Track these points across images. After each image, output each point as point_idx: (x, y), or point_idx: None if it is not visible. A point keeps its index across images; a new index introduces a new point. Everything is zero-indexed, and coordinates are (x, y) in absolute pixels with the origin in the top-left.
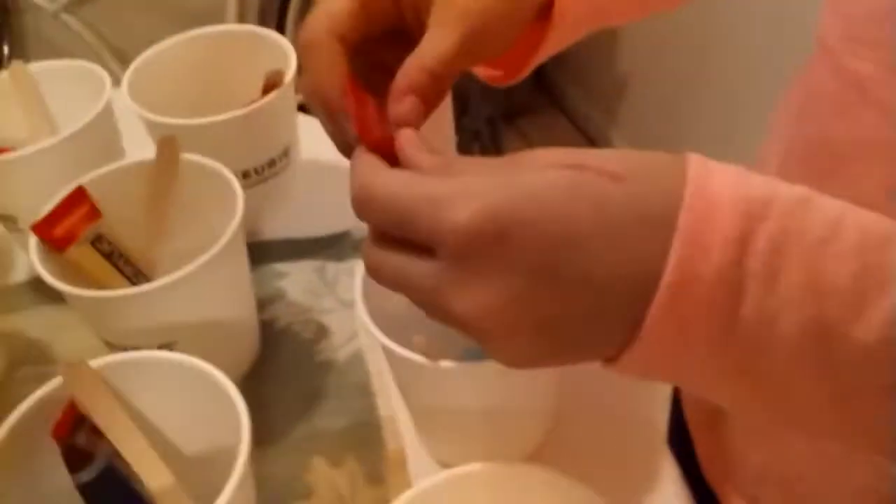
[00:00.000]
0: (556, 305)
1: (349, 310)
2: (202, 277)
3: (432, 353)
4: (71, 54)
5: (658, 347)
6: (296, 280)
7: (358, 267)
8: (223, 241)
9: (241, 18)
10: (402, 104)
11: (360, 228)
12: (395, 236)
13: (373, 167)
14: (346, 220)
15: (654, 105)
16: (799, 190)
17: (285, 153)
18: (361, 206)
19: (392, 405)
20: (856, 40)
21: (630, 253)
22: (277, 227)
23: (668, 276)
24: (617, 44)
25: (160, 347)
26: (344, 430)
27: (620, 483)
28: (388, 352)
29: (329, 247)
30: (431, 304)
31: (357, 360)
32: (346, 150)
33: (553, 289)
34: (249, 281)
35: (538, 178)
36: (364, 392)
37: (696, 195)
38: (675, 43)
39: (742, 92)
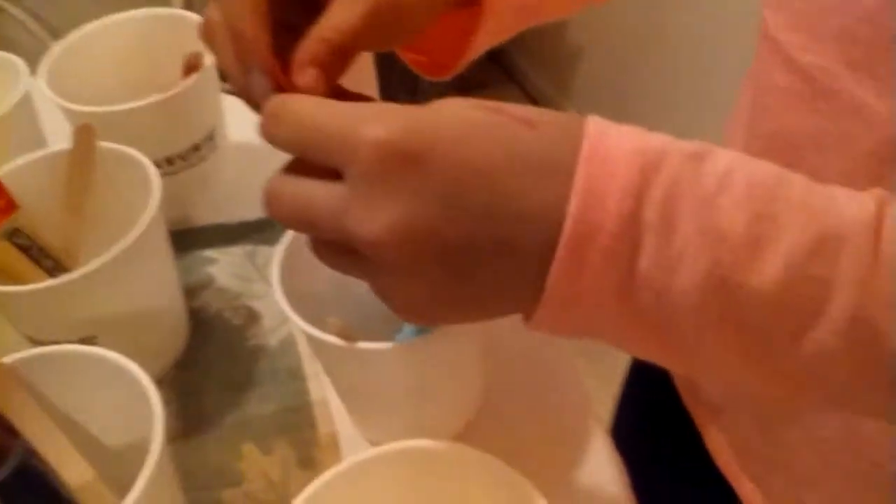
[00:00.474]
0: (462, 238)
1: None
2: (120, 268)
3: (349, 334)
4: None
5: (566, 299)
6: (226, 266)
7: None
8: (138, 230)
9: (189, 4)
10: (303, 75)
11: None
12: (299, 167)
13: (285, 95)
14: None
15: (606, 77)
16: (694, 144)
17: (210, 137)
18: (269, 124)
19: (323, 388)
20: (804, 33)
21: (537, 196)
22: (207, 213)
23: (568, 224)
24: (569, 17)
25: (82, 341)
26: (275, 415)
27: (550, 459)
28: (307, 335)
29: (260, 231)
30: (333, 230)
31: (288, 344)
32: (246, 90)
33: (460, 219)
34: (173, 269)
35: (457, 112)
36: (295, 376)
37: (594, 147)
38: (627, 15)
39: (691, 63)
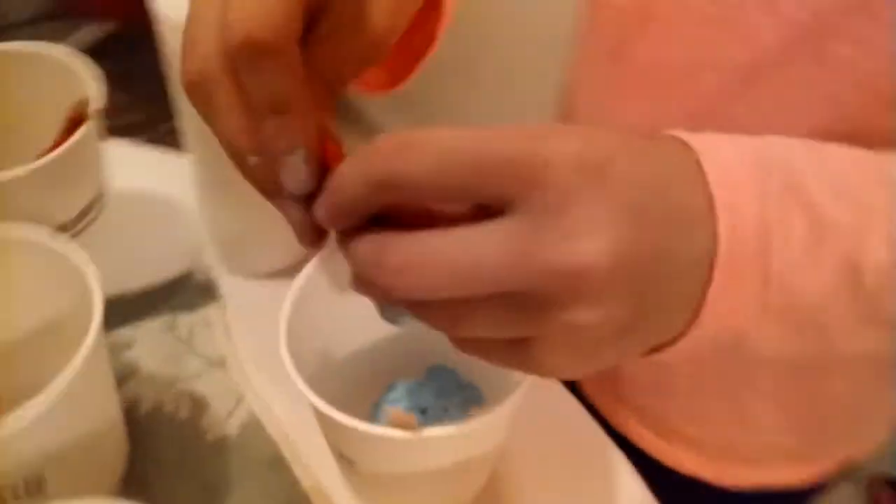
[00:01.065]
0: (647, 248)
1: (221, 370)
2: (62, 408)
3: (408, 421)
4: None
5: (724, 306)
6: (146, 346)
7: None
8: (80, 358)
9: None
10: None
11: (203, 267)
12: (423, 216)
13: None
14: (183, 259)
15: (433, 85)
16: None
17: (100, 196)
18: (397, 156)
19: (314, 472)
20: None
21: (692, 203)
22: (106, 285)
23: (722, 233)
24: None
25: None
26: None
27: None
28: (340, 427)
29: (172, 296)
30: (507, 279)
31: (253, 428)
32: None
33: (648, 235)
34: (113, 379)
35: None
36: (274, 465)
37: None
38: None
39: (519, 66)
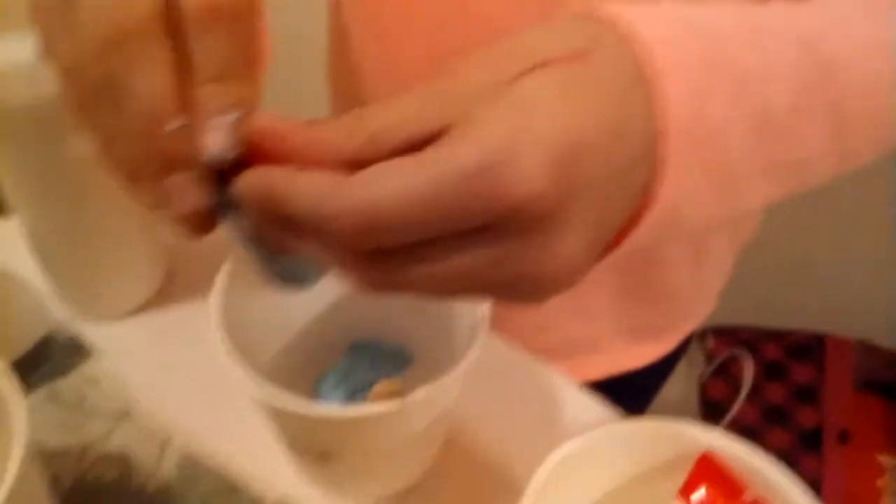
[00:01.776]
0: (607, 202)
1: (128, 420)
2: None
3: (397, 389)
4: None
5: (688, 164)
6: (37, 424)
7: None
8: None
9: None
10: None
11: (59, 327)
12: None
13: (328, 179)
14: (36, 326)
15: None
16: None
17: None
18: (370, 233)
19: (275, 483)
20: None
21: (636, 116)
22: None
23: (672, 108)
24: None
25: None
26: None
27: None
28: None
29: (40, 366)
30: (506, 280)
31: (190, 466)
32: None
33: (608, 188)
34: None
35: (534, 94)
36: (229, 493)
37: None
38: None
39: None
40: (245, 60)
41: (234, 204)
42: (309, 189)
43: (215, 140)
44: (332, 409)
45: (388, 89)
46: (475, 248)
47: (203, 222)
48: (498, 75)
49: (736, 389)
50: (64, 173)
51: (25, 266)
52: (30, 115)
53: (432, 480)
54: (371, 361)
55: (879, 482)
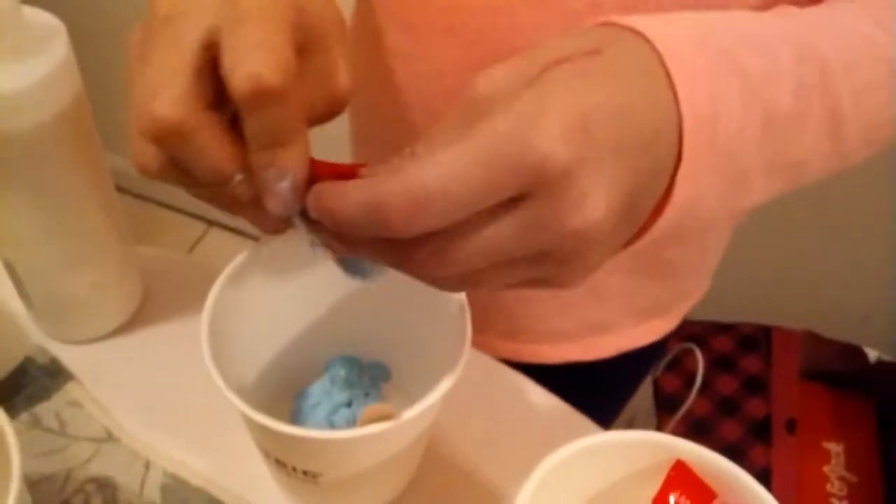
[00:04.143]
0: (631, 175)
1: (110, 442)
2: None
3: (386, 411)
4: None
5: (703, 160)
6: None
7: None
8: None
9: None
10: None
11: (38, 350)
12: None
13: (383, 176)
14: (15, 349)
15: None
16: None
17: None
18: (419, 211)
19: (261, 500)
20: None
21: (650, 101)
22: None
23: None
24: None
25: None
26: None
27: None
28: (317, 443)
29: (19, 391)
30: (531, 251)
31: (173, 487)
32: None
33: (628, 158)
34: None
35: (552, 78)
36: None
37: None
38: None
39: None
40: (293, 128)
41: (303, 213)
42: (358, 186)
43: (277, 203)
44: (325, 432)
45: (420, 98)
46: (509, 217)
47: (277, 229)
48: (526, 73)
49: (688, 382)
50: (36, 201)
51: (1, 290)
52: (10, 143)
53: (412, 493)
54: (347, 378)
55: (825, 468)
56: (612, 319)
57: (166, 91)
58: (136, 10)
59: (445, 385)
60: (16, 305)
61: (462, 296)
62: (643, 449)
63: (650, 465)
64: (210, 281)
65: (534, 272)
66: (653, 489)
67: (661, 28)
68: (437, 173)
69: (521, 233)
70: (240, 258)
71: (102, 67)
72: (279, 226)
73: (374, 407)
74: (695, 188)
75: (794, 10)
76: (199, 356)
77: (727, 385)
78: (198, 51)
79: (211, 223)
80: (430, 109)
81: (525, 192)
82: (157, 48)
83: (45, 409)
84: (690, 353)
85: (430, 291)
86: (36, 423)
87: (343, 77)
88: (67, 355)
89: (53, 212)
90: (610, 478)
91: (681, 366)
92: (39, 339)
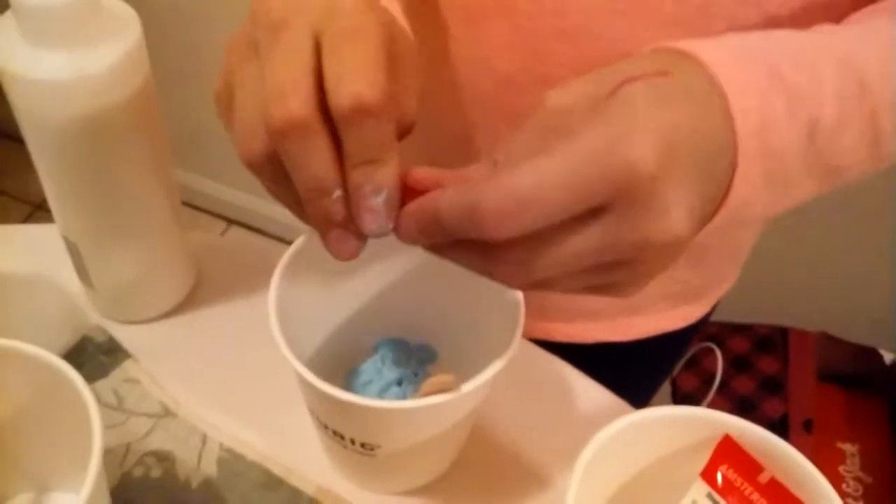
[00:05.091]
0: (704, 189)
1: (167, 418)
2: None
3: (448, 382)
4: None
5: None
6: None
7: (136, 365)
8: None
9: None
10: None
11: (96, 330)
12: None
13: (476, 181)
14: (73, 328)
15: None
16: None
17: None
18: (514, 213)
19: (312, 477)
20: None
21: (715, 121)
22: None
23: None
24: None
25: None
26: None
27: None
28: (382, 412)
29: (77, 368)
30: (610, 260)
31: (231, 461)
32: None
33: (704, 175)
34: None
35: (634, 95)
36: (270, 485)
37: (725, 79)
38: None
39: None
40: (388, 146)
41: None
42: (454, 192)
43: (372, 220)
44: (391, 402)
45: (470, 82)
46: (596, 226)
47: (354, 253)
48: (599, 89)
49: (706, 382)
50: (101, 182)
51: (61, 271)
52: (70, 128)
53: (457, 470)
54: (397, 358)
55: (841, 468)
56: (646, 301)
57: (297, 89)
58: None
59: (500, 362)
60: (74, 286)
61: None
62: (691, 424)
63: (697, 441)
64: (258, 264)
65: (603, 279)
66: (700, 464)
67: (713, 53)
68: (533, 179)
69: (606, 241)
70: (298, 242)
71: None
72: (358, 248)
73: (435, 379)
74: (747, 192)
75: (831, 26)
76: (250, 336)
77: (744, 385)
78: (315, 57)
79: (231, 221)
80: (479, 93)
81: (612, 201)
82: (277, 49)
83: (103, 386)
84: (708, 353)
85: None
86: (95, 400)
87: (414, 102)
88: (124, 335)
89: (117, 193)
90: (657, 453)
91: (698, 365)
92: (97, 319)
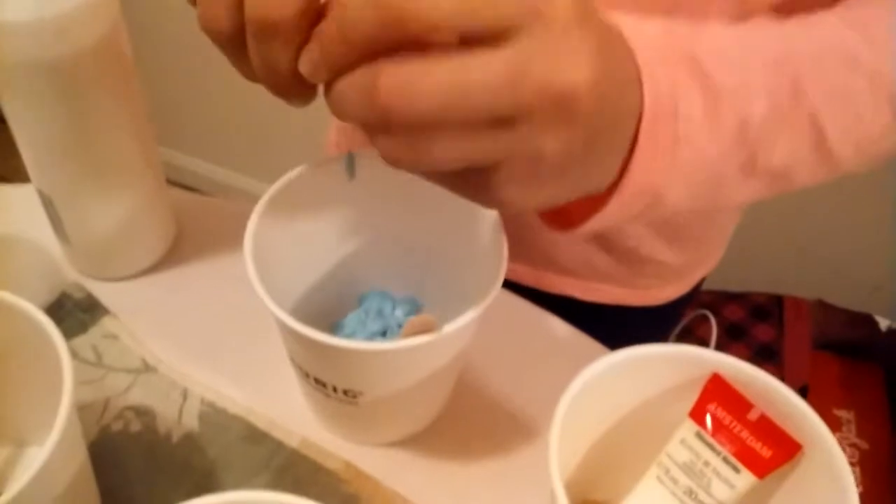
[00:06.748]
0: (609, 89)
1: (147, 373)
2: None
3: (430, 322)
4: None
5: (656, 149)
6: None
7: (116, 321)
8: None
9: None
10: None
11: (74, 286)
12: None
13: None
14: (51, 286)
15: None
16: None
17: None
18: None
19: (294, 429)
20: None
21: (630, 66)
22: None
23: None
24: None
25: None
26: (273, 485)
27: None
28: (363, 354)
29: (57, 323)
30: (497, 100)
31: (212, 415)
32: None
33: (609, 71)
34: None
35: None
36: (251, 439)
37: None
38: None
39: None
40: None
41: None
42: None
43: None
44: (371, 343)
45: None
46: (495, 54)
47: (298, 95)
48: None
49: None
50: (72, 131)
51: (39, 230)
52: (35, 71)
53: (442, 422)
54: (381, 310)
55: (837, 435)
56: (618, 271)
57: None
58: None
59: (481, 307)
60: (51, 243)
61: (495, 214)
62: (679, 363)
63: (686, 380)
64: (239, 223)
65: (491, 144)
66: (689, 403)
67: (635, 28)
68: None
69: (501, 76)
70: (276, 185)
71: None
72: (305, 91)
73: (417, 319)
74: (650, 174)
75: (770, 22)
76: (231, 293)
77: (739, 353)
78: None
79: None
80: None
81: (520, 24)
82: None
83: (82, 342)
84: (702, 321)
85: (464, 217)
86: (73, 355)
87: None
88: (102, 292)
89: (89, 143)
90: (644, 393)
91: (692, 334)
92: (75, 276)
